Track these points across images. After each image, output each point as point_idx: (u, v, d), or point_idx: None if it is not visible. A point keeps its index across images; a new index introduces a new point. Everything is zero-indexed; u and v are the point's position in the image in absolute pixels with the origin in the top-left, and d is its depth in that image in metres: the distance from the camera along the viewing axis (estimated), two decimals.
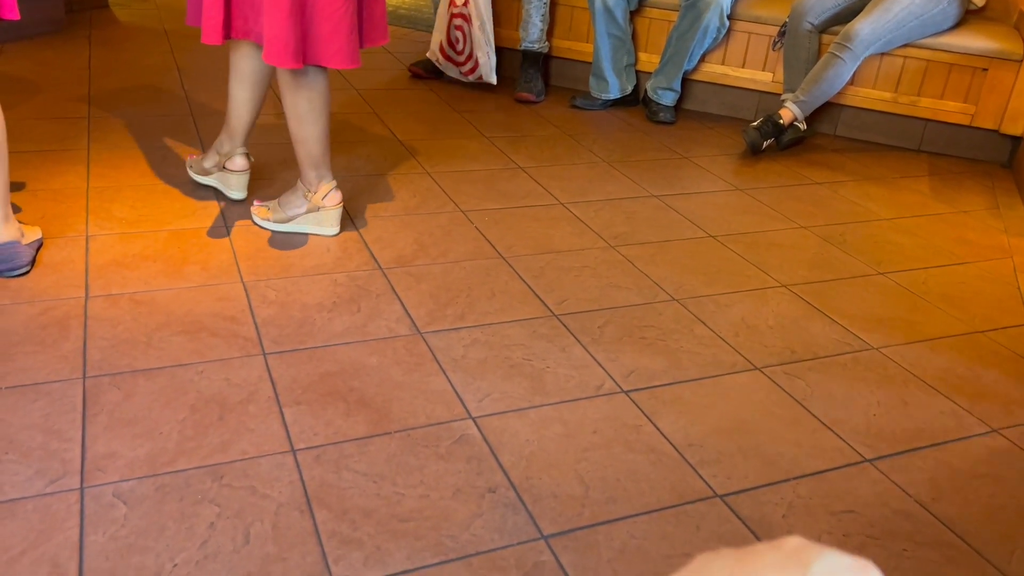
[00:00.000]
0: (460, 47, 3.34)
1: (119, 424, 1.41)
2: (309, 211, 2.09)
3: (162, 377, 1.54)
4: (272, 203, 2.14)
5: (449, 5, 3.33)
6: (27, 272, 1.82)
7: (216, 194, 2.28)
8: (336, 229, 2.13)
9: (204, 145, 2.60)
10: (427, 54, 3.52)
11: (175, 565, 1.16)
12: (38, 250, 1.90)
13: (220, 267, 1.93)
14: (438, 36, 3.42)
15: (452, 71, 3.44)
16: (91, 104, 2.87)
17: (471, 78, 3.39)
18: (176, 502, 1.27)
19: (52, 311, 1.70)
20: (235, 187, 2.23)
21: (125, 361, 1.58)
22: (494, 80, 3.34)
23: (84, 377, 1.52)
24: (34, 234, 1.90)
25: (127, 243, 1.99)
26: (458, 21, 3.32)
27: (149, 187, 2.29)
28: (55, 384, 1.50)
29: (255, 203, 2.16)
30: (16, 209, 2.05)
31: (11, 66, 3.18)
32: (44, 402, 1.45)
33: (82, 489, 1.28)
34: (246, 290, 1.85)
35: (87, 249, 1.95)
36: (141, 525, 1.22)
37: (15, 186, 2.19)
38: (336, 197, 2.09)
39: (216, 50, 3.63)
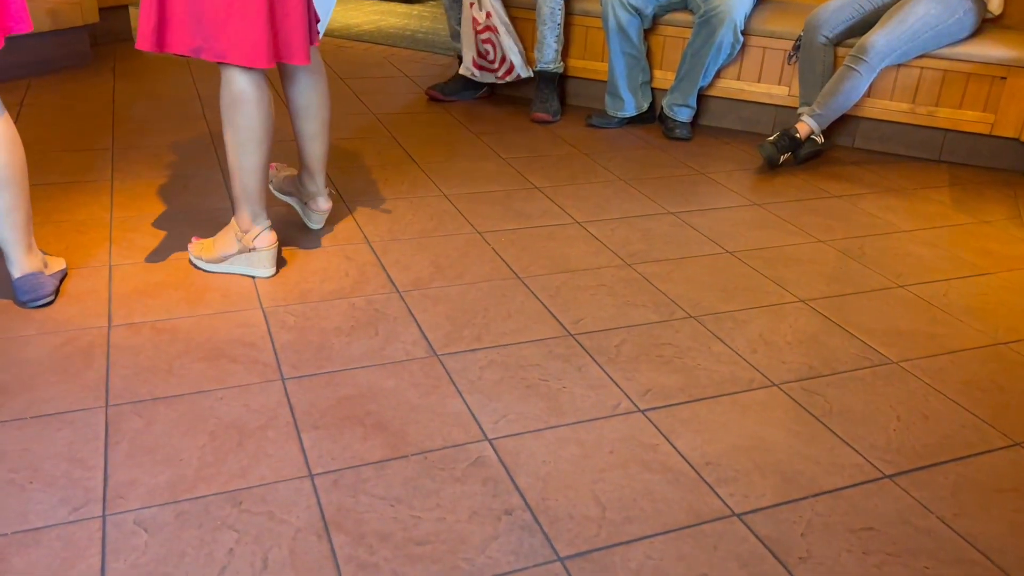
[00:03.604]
0: (492, 56, 3.44)
1: (140, 452, 1.44)
2: (241, 252, 2.00)
3: (182, 404, 1.57)
4: (207, 242, 2.07)
5: (472, 24, 3.39)
6: (51, 302, 1.86)
7: None
8: (271, 271, 2.02)
9: (225, 173, 2.65)
10: (460, 70, 3.58)
11: None
12: (62, 280, 1.94)
13: (240, 294, 1.95)
14: (469, 53, 3.50)
15: (489, 78, 3.53)
16: (115, 135, 2.93)
17: (508, 79, 3.48)
18: (195, 528, 1.29)
19: (75, 341, 1.74)
20: (316, 221, 2.30)
21: (146, 389, 1.60)
22: (530, 72, 3.45)
23: (106, 405, 1.55)
24: (58, 264, 1.94)
25: (149, 272, 2.03)
26: (485, 35, 3.39)
27: (171, 216, 2.33)
28: (78, 413, 1.52)
29: (193, 239, 2.11)
30: (59, 248, 2.10)
31: (38, 99, 3.26)
32: (68, 431, 1.48)
33: (104, 517, 1.30)
34: (265, 316, 1.87)
35: (110, 278, 1.99)
36: (161, 552, 1.24)
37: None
38: (268, 238, 1.99)
39: None
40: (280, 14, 1.84)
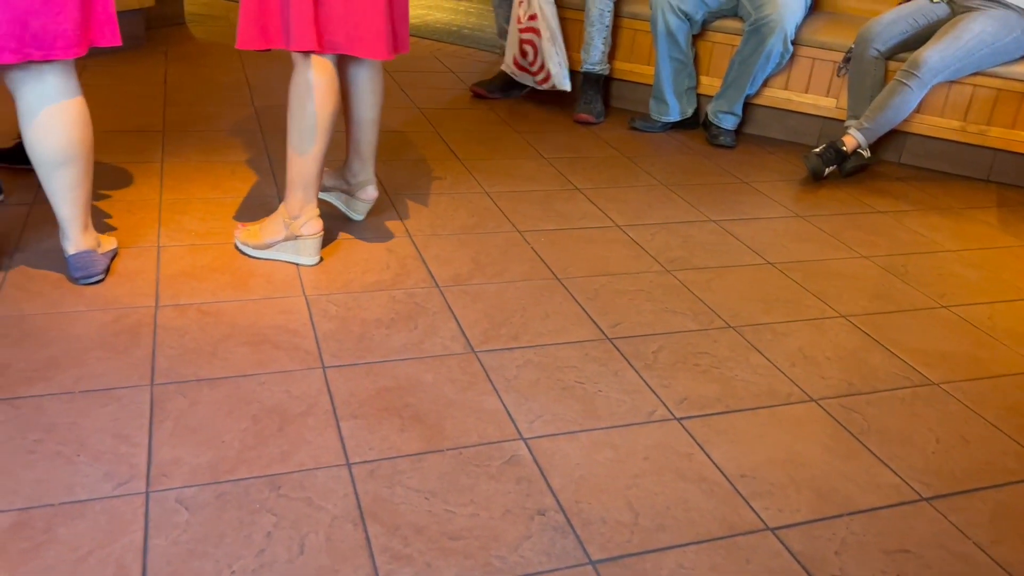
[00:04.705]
0: (531, 59, 3.40)
1: (184, 431, 1.47)
2: (287, 239, 2.03)
3: (226, 387, 1.59)
4: (254, 227, 2.09)
5: (516, 22, 3.39)
6: (101, 280, 1.90)
7: None
8: (315, 259, 2.05)
9: (272, 160, 2.69)
10: (502, 67, 3.58)
11: (232, 572, 1.20)
12: (112, 259, 1.98)
13: (284, 281, 1.98)
14: (511, 51, 3.49)
15: (528, 80, 3.49)
16: (166, 118, 2.98)
17: (545, 87, 3.43)
18: (235, 510, 1.31)
19: (124, 319, 1.78)
20: (360, 212, 2.32)
21: (191, 370, 1.63)
22: (567, 86, 3.36)
23: (152, 384, 1.58)
24: (109, 244, 1.98)
25: (196, 255, 2.07)
26: (526, 36, 3.36)
27: (218, 201, 2.37)
28: (125, 390, 1.56)
29: (240, 225, 2.14)
30: (109, 226, 2.15)
31: (94, 80, 3.33)
32: (114, 407, 1.51)
33: (147, 493, 1.33)
34: (308, 304, 1.90)
35: (158, 259, 2.03)
36: (202, 532, 1.27)
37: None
38: (315, 226, 2.02)
39: (285, 68, 3.74)
40: (395, 10, 1.94)
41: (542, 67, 3.38)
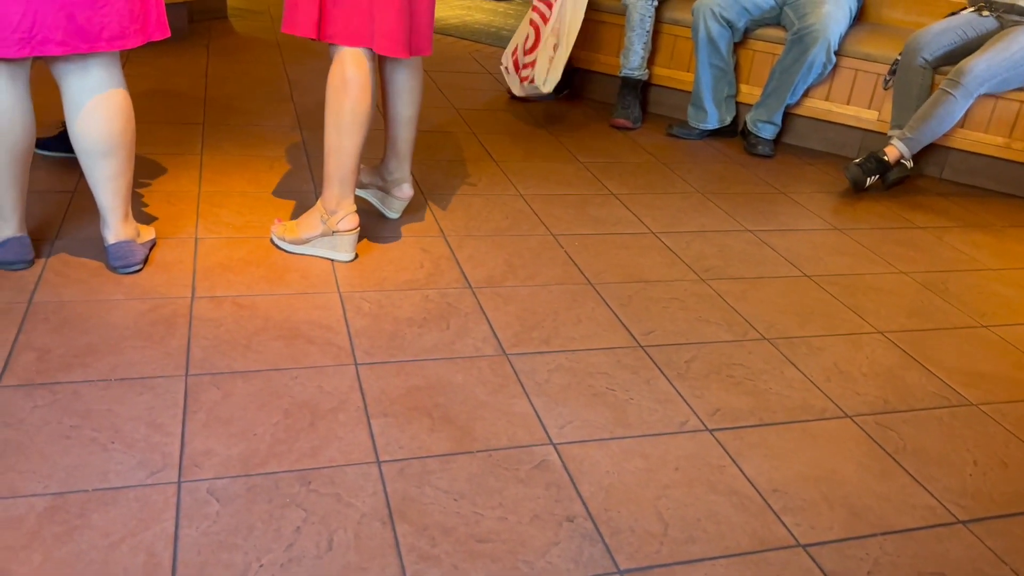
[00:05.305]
0: (530, 43, 3.21)
1: (216, 423, 1.48)
2: (323, 235, 2.04)
3: (259, 380, 1.60)
4: (290, 223, 2.11)
5: None
6: (140, 270, 1.92)
7: None
8: (350, 255, 2.07)
9: (309, 156, 2.70)
10: (502, 58, 3.42)
11: (261, 565, 1.21)
12: (151, 249, 2.00)
13: (319, 276, 1.99)
14: (519, 36, 3.30)
15: (514, 83, 3.32)
16: (207, 111, 3.01)
17: (526, 86, 3.24)
18: (265, 503, 1.32)
19: (160, 309, 1.79)
20: (395, 210, 2.33)
21: (225, 362, 1.64)
22: (546, 90, 3.15)
23: (186, 375, 1.60)
24: (149, 234, 2.01)
25: (233, 247, 2.08)
26: (535, 16, 3.21)
27: (256, 194, 2.39)
28: (160, 379, 1.57)
29: (276, 221, 2.15)
30: (148, 216, 2.17)
31: (136, 72, 3.37)
32: (149, 396, 1.53)
33: (179, 483, 1.34)
34: (342, 300, 1.90)
35: (195, 251, 2.05)
36: (232, 523, 1.27)
37: None
38: (352, 221, 2.03)
39: (325, 64, 3.76)
40: (415, 11, 1.95)
41: (534, 62, 3.16)
